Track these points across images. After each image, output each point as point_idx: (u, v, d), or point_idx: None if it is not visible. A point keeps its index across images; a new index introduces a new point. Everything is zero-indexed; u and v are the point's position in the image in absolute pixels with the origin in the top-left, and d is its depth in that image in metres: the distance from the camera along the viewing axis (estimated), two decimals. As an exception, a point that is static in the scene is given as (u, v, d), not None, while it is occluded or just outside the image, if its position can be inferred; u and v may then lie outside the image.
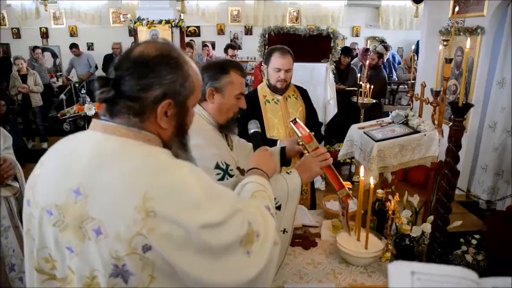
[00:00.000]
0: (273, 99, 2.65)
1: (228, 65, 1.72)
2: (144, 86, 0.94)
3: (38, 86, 6.91)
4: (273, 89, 2.63)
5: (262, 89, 2.69)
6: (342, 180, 1.58)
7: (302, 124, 1.72)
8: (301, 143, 1.66)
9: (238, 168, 1.73)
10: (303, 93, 2.76)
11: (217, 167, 1.61)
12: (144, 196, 0.84)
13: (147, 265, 0.85)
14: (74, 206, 0.88)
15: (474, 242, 3.36)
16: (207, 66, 1.74)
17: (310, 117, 2.72)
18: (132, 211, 0.84)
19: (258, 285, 0.99)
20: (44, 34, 10.17)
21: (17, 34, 10.11)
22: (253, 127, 1.67)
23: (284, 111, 2.64)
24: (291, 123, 1.75)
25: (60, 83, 8.93)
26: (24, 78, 6.79)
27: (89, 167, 0.90)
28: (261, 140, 1.64)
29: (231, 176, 1.61)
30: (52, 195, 0.93)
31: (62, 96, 7.92)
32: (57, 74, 9.83)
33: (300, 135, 1.65)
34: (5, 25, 10.03)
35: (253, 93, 2.73)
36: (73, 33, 10.19)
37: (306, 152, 1.63)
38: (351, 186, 1.64)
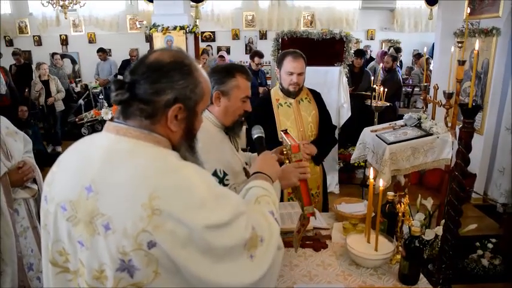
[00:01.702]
0: (285, 102, 2.68)
1: (234, 69, 1.78)
2: (157, 90, 0.99)
3: (60, 92, 7.12)
4: (286, 92, 2.65)
5: (275, 93, 2.72)
6: (311, 198, 1.58)
7: (292, 136, 1.79)
8: (285, 152, 1.67)
9: (244, 168, 1.79)
10: (316, 96, 2.77)
11: (215, 174, 1.68)
12: (151, 195, 0.89)
13: (151, 261, 0.89)
14: (85, 202, 0.94)
15: (490, 246, 3.32)
16: (214, 70, 1.81)
17: (324, 120, 2.74)
18: (139, 208, 0.88)
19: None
20: (64, 41, 10.45)
21: (38, 41, 10.41)
22: (256, 132, 1.64)
23: (297, 114, 2.66)
24: (282, 132, 1.79)
25: (79, 88, 9.15)
26: (46, 84, 6.99)
27: (101, 166, 0.96)
28: (264, 145, 1.63)
29: (225, 185, 1.68)
30: (67, 191, 0.99)
31: (81, 101, 8.12)
32: (76, 79, 10.08)
33: (289, 143, 1.67)
34: (27, 33, 10.35)
35: (267, 97, 2.78)
36: (92, 40, 10.43)
37: (287, 161, 1.66)
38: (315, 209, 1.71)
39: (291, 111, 2.67)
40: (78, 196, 0.95)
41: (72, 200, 0.97)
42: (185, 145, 1.10)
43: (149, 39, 5.23)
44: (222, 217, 0.94)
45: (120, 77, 4.89)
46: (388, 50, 8.96)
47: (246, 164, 1.95)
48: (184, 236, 0.89)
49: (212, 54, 8.86)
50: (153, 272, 0.90)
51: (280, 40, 4.77)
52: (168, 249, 0.88)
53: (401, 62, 8.83)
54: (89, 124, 6.97)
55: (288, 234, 2.03)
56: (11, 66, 8.05)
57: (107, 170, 0.95)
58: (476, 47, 1.86)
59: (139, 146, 0.99)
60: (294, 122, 2.65)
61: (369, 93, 5.14)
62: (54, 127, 7.18)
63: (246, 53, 10.24)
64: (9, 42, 10.23)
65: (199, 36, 5.42)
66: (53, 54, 8.43)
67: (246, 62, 10.17)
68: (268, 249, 1.05)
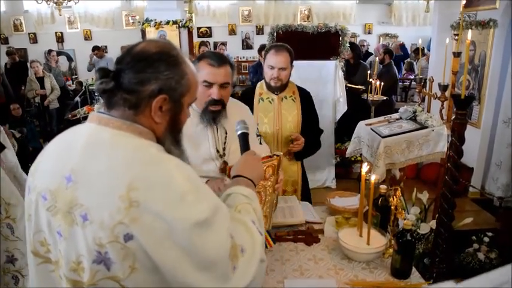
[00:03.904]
0: (267, 98, 2.58)
1: (202, 56, 1.84)
2: (142, 79, 0.97)
3: (55, 90, 7.09)
4: (268, 87, 2.56)
5: (261, 86, 2.63)
6: None
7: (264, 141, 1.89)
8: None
9: (224, 162, 1.78)
10: (305, 96, 2.64)
11: None
12: (129, 186, 0.87)
13: (128, 255, 0.87)
14: (65, 192, 0.93)
15: (487, 239, 3.29)
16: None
17: (308, 122, 2.61)
18: (116, 200, 0.86)
19: None
20: (60, 38, 10.40)
21: (33, 39, 10.36)
22: (240, 128, 1.51)
23: (277, 111, 2.56)
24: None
25: (75, 86, 9.10)
26: (41, 81, 6.96)
27: (81, 156, 0.94)
28: (248, 142, 1.51)
29: None
30: (47, 181, 0.98)
31: (77, 98, 8.07)
32: (73, 77, 10.03)
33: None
34: (22, 30, 10.29)
35: (251, 90, 2.70)
36: (87, 37, 10.38)
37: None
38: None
39: (271, 107, 2.57)
40: (58, 185, 0.94)
41: (52, 190, 0.95)
42: (170, 138, 1.07)
43: (142, 34, 5.19)
44: (201, 212, 0.91)
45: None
46: (389, 44, 8.94)
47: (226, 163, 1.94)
48: (163, 232, 0.86)
49: (210, 49, 8.82)
50: (129, 267, 0.88)
51: (275, 34, 4.73)
52: (145, 244, 0.86)
53: (404, 56, 8.76)
54: (83, 120, 6.93)
55: (280, 228, 2.01)
56: (5, 64, 7.99)
57: (86, 160, 0.93)
58: (469, 36, 1.83)
59: (121, 136, 0.96)
60: (272, 119, 2.56)
61: (362, 87, 5.10)
62: (50, 124, 7.16)
63: (242, 49, 10.22)
64: (5, 40, 10.16)
65: (194, 31, 5.38)
66: (49, 51, 8.38)
67: (243, 57, 10.18)
68: (250, 262, 1.00)
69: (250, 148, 1.49)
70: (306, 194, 2.74)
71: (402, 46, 9.04)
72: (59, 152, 1.01)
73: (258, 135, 2.15)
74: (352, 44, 6.14)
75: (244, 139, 1.50)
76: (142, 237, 0.86)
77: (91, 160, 0.93)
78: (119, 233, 0.86)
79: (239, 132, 1.51)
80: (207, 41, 9.00)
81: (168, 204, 0.88)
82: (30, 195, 1.04)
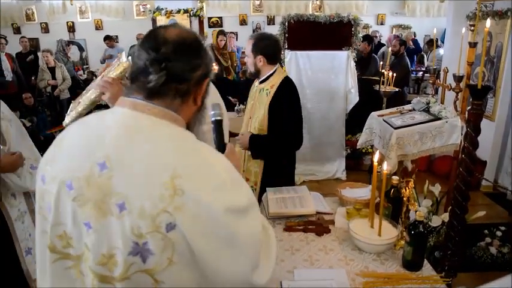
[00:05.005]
0: (256, 86, 2.63)
1: None
2: (193, 66, 0.99)
3: (66, 80, 7.14)
4: None
5: None
6: None
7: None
8: None
9: None
10: (283, 93, 2.46)
11: None
12: (173, 173, 0.85)
13: (167, 246, 0.85)
14: (97, 179, 0.88)
15: (499, 233, 3.26)
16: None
17: (274, 120, 2.46)
18: (159, 187, 0.84)
19: None
20: (71, 28, 10.42)
21: (45, 29, 10.40)
22: (214, 114, 1.30)
23: (255, 101, 2.58)
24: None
25: (86, 75, 9.15)
26: (52, 71, 7.01)
27: (117, 142, 0.90)
28: (223, 131, 1.33)
29: None
30: (74, 168, 0.92)
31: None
32: (84, 67, 10.08)
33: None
34: (34, 20, 10.34)
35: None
36: (98, 27, 10.39)
37: None
38: None
39: (253, 96, 2.62)
40: (89, 173, 0.88)
41: (80, 177, 0.89)
42: (198, 117, 1.11)
43: (152, 23, 5.18)
44: (240, 201, 0.92)
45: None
46: (401, 34, 8.78)
47: None
48: (205, 219, 0.86)
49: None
50: (168, 259, 0.85)
51: (287, 24, 4.67)
52: (187, 233, 0.84)
53: (416, 50, 8.59)
54: (96, 110, 6.97)
55: (290, 218, 2.01)
56: (17, 54, 8.05)
57: (124, 147, 0.89)
58: (488, 24, 1.78)
59: (159, 123, 0.95)
60: (250, 108, 2.60)
61: (377, 78, 5.03)
62: (61, 114, 7.22)
63: (253, 39, 10.10)
64: (17, 30, 10.22)
65: (205, 21, 5.35)
66: (68, 43, 8.44)
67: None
68: (271, 246, 1.04)
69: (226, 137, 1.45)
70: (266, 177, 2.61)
71: (414, 40, 8.84)
72: (87, 139, 0.95)
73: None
74: (368, 37, 6.06)
75: (217, 127, 1.31)
76: (185, 226, 0.84)
77: (129, 146, 0.89)
78: (161, 222, 0.84)
79: (212, 118, 1.31)
80: (224, 30, 8.95)
81: (210, 192, 0.87)
82: (46, 185, 0.97)
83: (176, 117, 0.98)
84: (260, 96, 2.54)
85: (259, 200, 2.45)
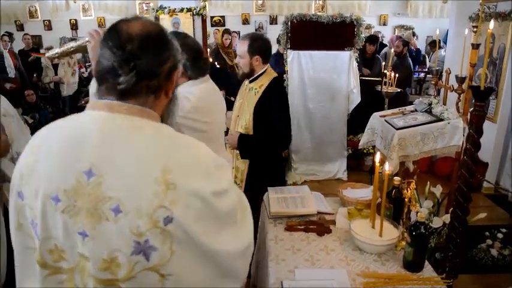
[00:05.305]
0: (246, 84, 2.64)
1: None
2: (161, 61, 0.97)
3: (73, 76, 7.18)
4: None
5: None
6: None
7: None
8: None
9: None
10: (272, 93, 2.49)
11: None
12: (163, 169, 0.87)
13: (166, 238, 0.87)
14: (86, 188, 0.86)
15: (500, 236, 3.25)
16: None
17: (261, 120, 2.49)
18: (152, 184, 0.86)
19: (249, 254, 1.06)
20: (74, 26, 10.44)
21: (48, 26, 10.42)
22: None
23: (244, 99, 2.59)
24: None
25: (88, 73, 9.15)
26: (55, 68, 7.04)
27: (100, 147, 0.89)
28: None
29: None
30: (57, 180, 0.89)
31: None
32: (86, 64, 10.08)
33: None
34: (37, 17, 10.36)
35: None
36: (101, 25, 10.38)
37: None
38: None
39: (242, 94, 2.63)
40: (76, 183, 0.87)
41: (68, 189, 0.88)
42: (169, 109, 1.09)
43: (155, 21, 5.19)
44: (223, 183, 0.98)
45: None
46: (403, 35, 8.75)
47: None
48: (199, 207, 0.89)
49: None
50: (169, 250, 0.87)
51: (289, 24, 4.66)
52: (185, 223, 0.87)
53: (419, 50, 8.53)
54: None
55: (292, 218, 2.01)
56: (19, 51, 8.06)
57: (107, 151, 0.88)
58: (491, 26, 1.77)
59: (138, 122, 0.94)
60: (238, 106, 2.61)
61: (379, 78, 5.03)
62: (64, 111, 7.23)
63: (256, 38, 10.08)
64: (20, 27, 10.24)
65: (207, 20, 5.34)
66: (63, 39, 8.45)
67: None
68: (246, 214, 1.11)
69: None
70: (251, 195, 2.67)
71: (418, 51, 8.64)
72: (65, 148, 0.91)
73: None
74: (373, 38, 6.05)
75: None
76: (180, 216, 0.86)
77: (114, 149, 0.88)
78: (159, 217, 0.85)
79: None
80: (217, 30, 8.93)
81: (199, 180, 0.91)
82: (25, 200, 0.94)
83: (153, 114, 0.98)
84: (249, 95, 2.58)
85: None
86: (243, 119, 2.56)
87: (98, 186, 0.86)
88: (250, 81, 2.58)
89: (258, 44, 2.45)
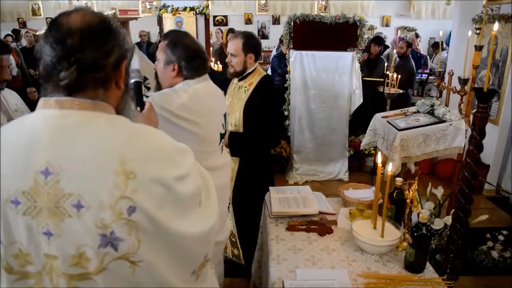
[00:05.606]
0: (235, 82, 2.64)
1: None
2: (106, 52, 0.93)
3: None
4: None
5: None
6: None
7: None
8: None
9: None
10: (261, 91, 2.51)
11: None
12: (120, 159, 0.86)
13: (132, 228, 0.87)
14: (45, 188, 0.86)
15: (501, 238, 3.25)
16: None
17: (250, 117, 2.50)
18: (111, 176, 0.85)
19: (214, 233, 1.08)
20: (77, 24, 10.44)
21: (51, 24, 10.43)
22: (133, 76, 1.47)
23: (234, 97, 2.60)
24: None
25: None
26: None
27: (55, 144, 0.87)
28: (142, 92, 1.52)
29: None
30: (14, 183, 0.87)
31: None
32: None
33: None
34: (40, 15, 10.38)
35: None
36: (104, 23, 10.40)
37: None
38: None
39: (232, 92, 2.64)
40: (33, 183, 0.86)
41: (26, 190, 0.86)
42: (124, 100, 1.06)
43: (158, 20, 5.18)
44: (185, 167, 0.98)
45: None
46: (405, 36, 8.74)
47: None
48: (161, 193, 0.90)
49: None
50: (136, 239, 0.87)
51: (292, 24, 4.67)
52: (149, 210, 0.87)
53: (422, 55, 8.50)
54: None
55: (293, 218, 2.01)
56: (22, 48, 8.07)
57: (62, 148, 0.87)
58: (495, 28, 1.77)
59: (90, 116, 0.92)
60: (228, 104, 2.60)
61: (381, 79, 5.03)
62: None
63: (258, 38, 10.08)
64: (23, 24, 10.25)
65: (211, 19, 5.35)
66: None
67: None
68: (210, 191, 1.13)
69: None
70: (241, 193, 2.65)
71: (421, 56, 8.63)
72: (18, 149, 0.89)
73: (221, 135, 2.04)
74: (379, 38, 6.05)
75: (136, 88, 1.48)
76: (145, 205, 0.86)
77: (68, 146, 0.87)
78: (122, 208, 0.85)
79: (132, 80, 1.44)
80: (219, 30, 8.93)
81: (159, 167, 0.91)
82: None
83: (106, 106, 0.96)
84: (238, 93, 2.59)
85: (234, 198, 2.60)
86: (232, 117, 2.56)
87: (56, 184, 0.85)
88: (240, 80, 2.58)
89: (252, 42, 2.47)
